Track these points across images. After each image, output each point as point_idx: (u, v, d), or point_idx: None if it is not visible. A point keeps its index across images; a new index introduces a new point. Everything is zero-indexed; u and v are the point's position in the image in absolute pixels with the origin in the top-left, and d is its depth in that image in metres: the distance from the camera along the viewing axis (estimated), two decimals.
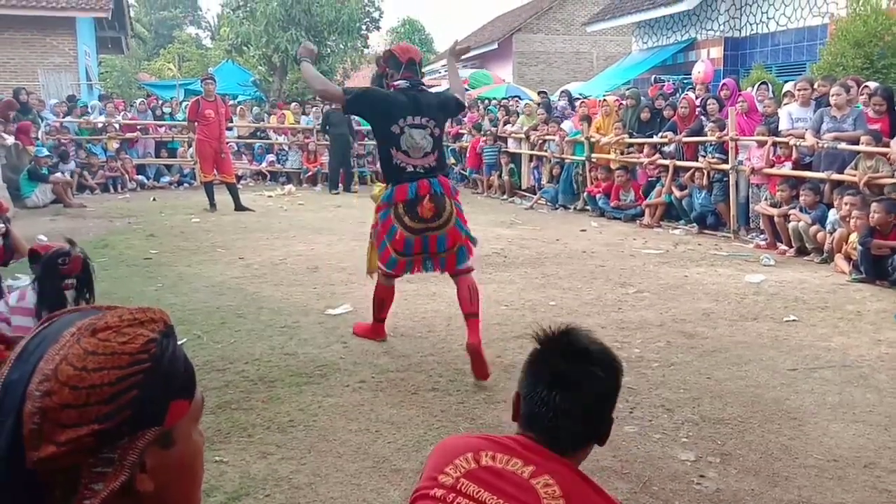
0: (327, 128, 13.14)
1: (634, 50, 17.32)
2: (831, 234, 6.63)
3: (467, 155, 13.46)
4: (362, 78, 26.29)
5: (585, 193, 10.37)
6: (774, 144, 7.68)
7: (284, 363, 3.97)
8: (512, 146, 12.40)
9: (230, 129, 12.85)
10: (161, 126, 13.99)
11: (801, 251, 7.06)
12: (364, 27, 22.08)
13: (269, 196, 12.01)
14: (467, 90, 12.76)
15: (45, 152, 11.28)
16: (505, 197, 12.15)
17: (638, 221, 9.24)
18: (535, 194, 11.55)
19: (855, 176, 6.60)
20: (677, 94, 10.77)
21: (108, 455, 0.71)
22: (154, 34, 37.25)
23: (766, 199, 7.73)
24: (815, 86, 7.83)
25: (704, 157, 8.55)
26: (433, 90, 4.31)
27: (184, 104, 14.03)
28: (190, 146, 12.54)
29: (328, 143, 13.38)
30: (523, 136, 11.92)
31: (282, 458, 2.90)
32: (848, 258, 6.25)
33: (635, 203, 9.53)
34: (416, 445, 3.01)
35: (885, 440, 3.09)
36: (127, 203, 11.16)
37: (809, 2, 12.21)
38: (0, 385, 0.73)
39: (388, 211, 3.82)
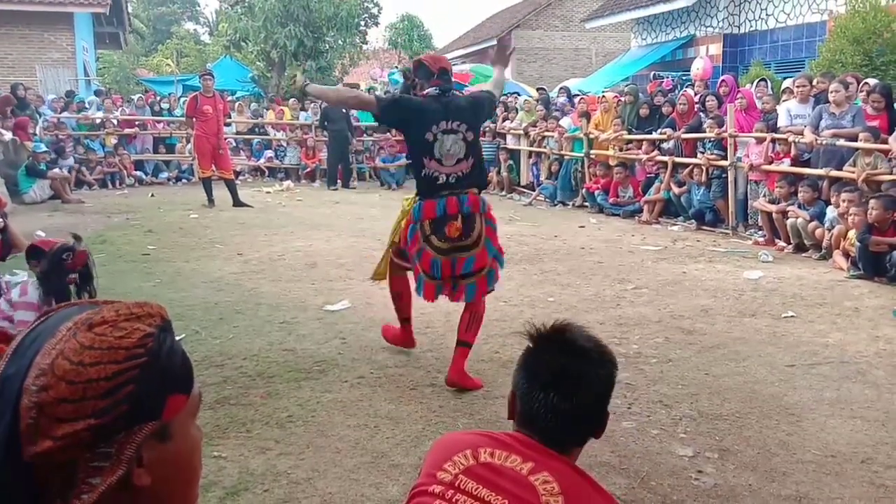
0: (325, 124, 13.12)
1: (633, 46, 17.31)
2: (829, 230, 6.63)
3: None
4: (360, 74, 26.27)
5: (584, 190, 10.37)
6: (773, 141, 7.68)
7: (283, 359, 3.97)
8: (511, 142, 12.40)
9: (228, 125, 12.83)
10: (159, 122, 13.96)
11: (800, 248, 7.07)
12: (363, 23, 22.03)
13: (268, 192, 11.99)
14: (467, 86, 12.74)
15: (43, 148, 11.26)
16: (504, 193, 12.15)
17: (636, 218, 9.24)
18: (533, 191, 11.55)
19: (853, 173, 6.61)
20: (676, 91, 10.77)
21: (105, 449, 0.71)
22: (152, 30, 37.16)
23: (764, 196, 7.73)
24: (814, 82, 7.83)
25: (703, 153, 8.54)
26: (465, 93, 4.22)
27: (182, 100, 13.99)
28: (188, 142, 12.52)
29: (326, 139, 13.36)
30: (522, 132, 11.91)
31: (280, 453, 2.91)
32: (846, 255, 6.26)
33: (634, 199, 9.54)
34: (415, 441, 3.01)
35: (883, 436, 3.10)
36: (125, 199, 11.14)
37: None
38: None
39: (416, 227, 3.67)
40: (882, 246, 5.79)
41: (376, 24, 23.75)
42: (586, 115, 10.50)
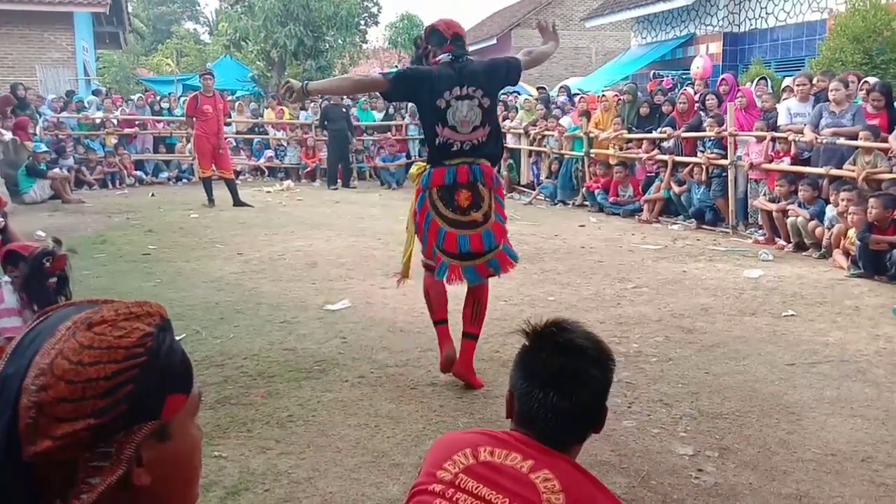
0: (325, 123, 13.12)
1: (633, 45, 17.30)
2: (829, 229, 6.63)
3: None
4: (361, 73, 26.24)
5: (584, 189, 10.37)
6: (773, 140, 7.68)
7: (283, 358, 3.97)
8: (511, 142, 12.38)
9: (228, 124, 12.83)
10: (159, 121, 13.96)
11: (800, 246, 7.06)
12: (362, 22, 22.04)
13: (268, 192, 11.99)
14: None
15: (43, 148, 11.26)
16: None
17: (637, 217, 9.24)
18: (533, 190, 11.55)
19: (853, 171, 6.60)
20: (676, 90, 10.76)
21: (105, 449, 0.71)
22: (152, 29, 37.14)
23: (764, 195, 7.73)
24: (814, 81, 7.83)
25: (703, 152, 8.54)
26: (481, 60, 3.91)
27: (182, 99, 13.99)
28: (188, 142, 12.52)
29: (326, 138, 13.37)
30: (522, 131, 11.91)
31: (281, 452, 2.91)
32: (846, 253, 6.26)
33: (634, 199, 9.54)
34: (415, 440, 3.01)
35: (883, 434, 3.10)
36: (125, 199, 11.15)
37: None
38: None
39: (424, 196, 3.54)
40: (882, 244, 5.79)
41: (376, 23, 23.79)
42: (586, 114, 10.50)
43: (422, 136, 14.68)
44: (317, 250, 7.02)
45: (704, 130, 8.50)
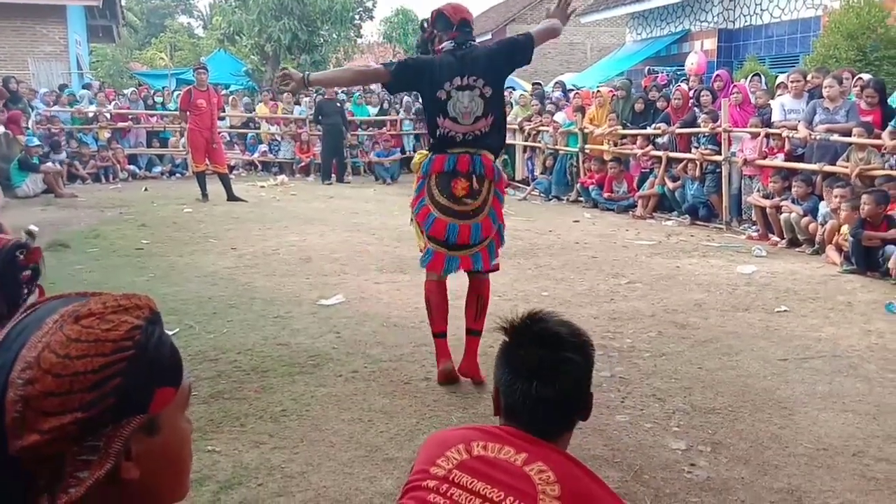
0: (319, 118, 13.09)
1: (628, 41, 17.30)
2: (823, 225, 6.65)
3: None
4: None
5: (579, 185, 10.37)
6: (767, 136, 7.69)
7: (277, 353, 3.96)
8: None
9: (222, 118, 12.78)
10: (153, 116, 13.89)
11: (793, 242, 7.09)
12: (357, 17, 21.99)
13: (262, 186, 11.96)
14: None
15: (36, 142, 11.20)
16: None
17: (631, 213, 9.25)
18: (528, 185, 11.55)
19: (847, 168, 6.62)
20: (671, 86, 10.77)
21: (93, 443, 0.71)
22: (146, 23, 36.97)
23: (758, 191, 7.75)
24: (808, 78, 7.84)
25: (697, 148, 8.56)
26: (487, 44, 3.75)
27: (175, 94, 13.94)
28: (182, 136, 12.47)
29: (321, 133, 13.33)
30: (517, 127, 11.90)
31: (274, 447, 2.90)
32: (839, 249, 6.28)
33: (628, 194, 9.55)
34: (409, 435, 3.01)
35: (874, 429, 3.12)
36: (118, 193, 11.10)
37: None
38: None
39: (423, 182, 3.47)
40: (875, 241, 5.81)
41: (371, 17, 23.71)
42: (581, 110, 10.50)
43: (416, 132, 14.70)
44: (311, 245, 7.01)
45: (699, 126, 8.51)
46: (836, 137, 6.88)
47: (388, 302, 4.98)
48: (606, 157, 9.93)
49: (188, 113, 10.17)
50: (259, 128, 14.49)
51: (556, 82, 14.22)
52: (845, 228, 6.17)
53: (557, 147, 10.90)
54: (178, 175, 13.36)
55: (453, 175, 3.38)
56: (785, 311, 4.86)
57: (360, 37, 24.06)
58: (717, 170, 8.32)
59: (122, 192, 11.28)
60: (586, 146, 10.27)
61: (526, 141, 11.82)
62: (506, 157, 12.31)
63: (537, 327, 1.43)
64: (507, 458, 1.30)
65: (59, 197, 10.53)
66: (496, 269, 3.64)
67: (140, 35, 35.15)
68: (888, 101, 7.16)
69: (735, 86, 8.73)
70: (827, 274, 5.96)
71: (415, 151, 14.76)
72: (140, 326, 0.74)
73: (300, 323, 4.51)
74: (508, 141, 12.21)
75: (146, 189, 11.49)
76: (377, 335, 4.28)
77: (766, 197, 7.50)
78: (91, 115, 13.10)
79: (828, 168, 6.87)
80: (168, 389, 0.76)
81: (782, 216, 7.20)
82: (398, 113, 14.53)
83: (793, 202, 7.10)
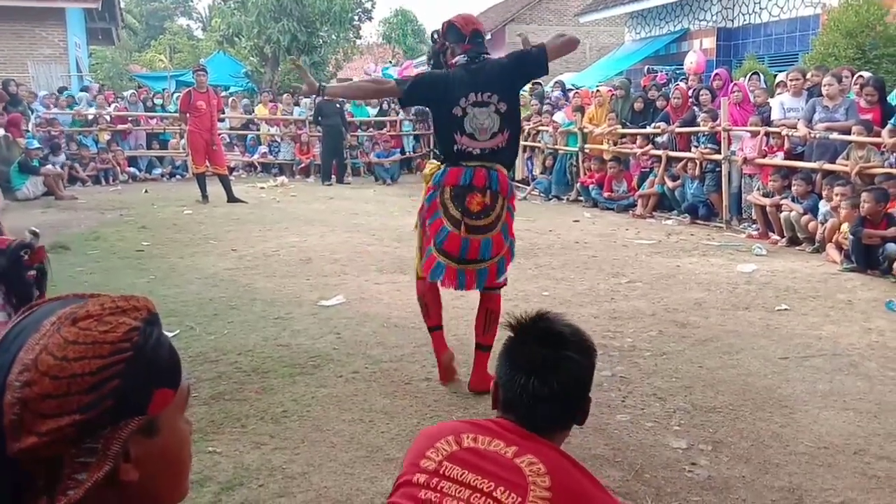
0: (319, 119, 13.09)
1: (627, 40, 17.30)
2: (823, 223, 6.65)
3: None
4: (354, 69, 26.20)
5: (578, 184, 10.38)
6: (767, 135, 7.69)
7: (278, 354, 3.96)
8: None
9: (222, 120, 12.78)
10: (153, 117, 13.89)
11: (793, 241, 7.09)
12: (356, 18, 21.98)
13: (262, 188, 11.96)
14: None
15: (36, 144, 11.21)
16: None
17: (631, 212, 9.25)
18: (528, 185, 11.55)
19: (847, 166, 6.62)
20: (670, 85, 10.77)
21: (91, 445, 0.71)
22: (145, 25, 36.99)
23: (758, 189, 7.75)
24: (808, 76, 7.84)
25: (697, 147, 8.56)
26: (499, 57, 3.69)
27: (175, 95, 13.93)
28: (182, 138, 12.48)
29: (320, 134, 13.33)
30: None
31: (275, 448, 2.90)
32: (839, 247, 6.28)
33: (628, 194, 9.55)
34: (410, 435, 3.01)
35: (875, 427, 3.12)
36: (118, 195, 11.10)
37: None
38: None
39: (435, 194, 3.39)
40: (875, 239, 5.81)
41: (370, 18, 23.72)
42: (580, 110, 10.50)
43: (416, 133, 14.70)
44: (311, 246, 7.01)
45: (698, 125, 8.51)
46: (835, 136, 6.88)
47: (388, 302, 4.98)
48: (606, 156, 9.93)
49: (188, 115, 10.17)
50: (259, 129, 14.50)
51: (556, 82, 14.22)
52: (845, 226, 6.17)
53: (557, 147, 10.90)
54: (178, 177, 13.36)
55: (469, 189, 3.32)
56: (785, 309, 4.86)
57: (360, 38, 24.07)
58: (717, 169, 8.32)
59: (123, 194, 11.29)
60: (586, 146, 10.27)
61: (525, 141, 11.80)
62: None
63: (542, 326, 1.46)
64: (498, 451, 1.31)
65: (60, 199, 10.54)
66: (504, 284, 3.59)
67: (139, 37, 35.17)
68: (888, 98, 7.16)
69: (735, 84, 8.73)
70: (827, 272, 5.95)
71: (414, 152, 14.84)
72: (138, 328, 0.74)
73: (301, 324, 4.51)
74: None
75: (146, 191, 11.50)
76: (378, 336, 4.28)
77: (766, 195, 7.49)
78: (91, 117, 13.11)
79: (827, 166, 6.87)
80: (166, 391, 0.76)
81: (782, 215, 7.20)
82: (398, 114, 14.54)
83: (793, 200, 7.10)
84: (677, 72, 12.89)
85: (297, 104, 14.49)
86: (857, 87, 7.27)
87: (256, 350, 4.02)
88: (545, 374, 1.39)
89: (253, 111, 14.78)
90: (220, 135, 11.20)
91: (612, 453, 2.87)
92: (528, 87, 14.50)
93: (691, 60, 12.07)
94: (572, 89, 12.58)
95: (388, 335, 4.31)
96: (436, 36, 3.61)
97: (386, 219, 8.59)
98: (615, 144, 9.91)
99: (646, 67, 14.00)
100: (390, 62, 26.59)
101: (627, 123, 9.86)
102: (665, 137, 9.04)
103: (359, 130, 14.31)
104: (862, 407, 3.32)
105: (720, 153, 8.16)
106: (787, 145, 7.49)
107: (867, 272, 5.83)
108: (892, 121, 6.45)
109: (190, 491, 0.84)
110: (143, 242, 7.20)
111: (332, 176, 12.97)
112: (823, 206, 6.75)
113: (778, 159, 7.54)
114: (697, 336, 4.30)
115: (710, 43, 13.93)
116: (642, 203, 9.20)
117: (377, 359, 3.92)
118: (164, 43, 32.40)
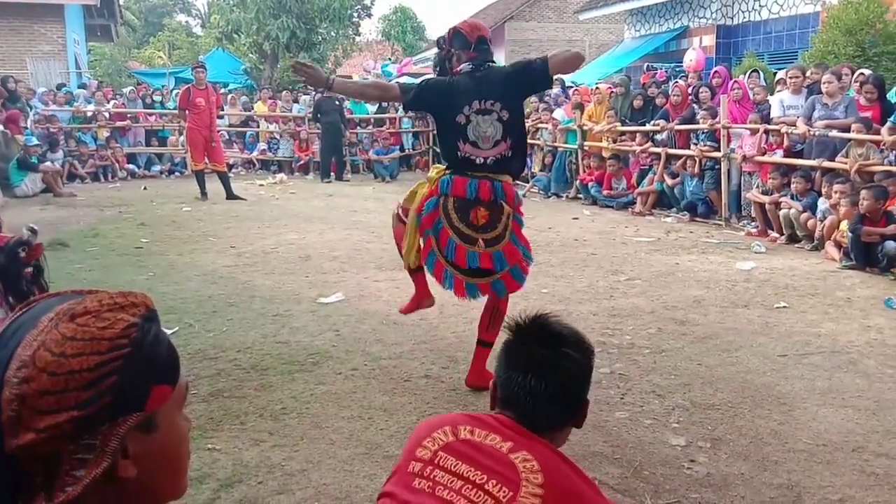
0: (318, 116, 13.08)
1: (627, 38, 17.28)
2: (822, 221, 6.65)
3: None
4: (354, 66, 26.17)
5: (578, 181, 10.38)
6: (766, 132, 7.69)
7: (276, 351, 3.96)
8: None
9: (221, 117, 12.77)
10: (151, 114, 13.88)
11: (792, 238, 7.09)
12: (355, 14, 21.94)
13: (261, 185, 11.96)
14: None
15: (35, 141, 11.19)
16: None
17: (630, 209, 9.26)
18: (527, 182, 11.54)
19: (846, 163, 6.62)
20: (669, 82, 10.77)
21: (89, 441, 0.70)
22: (144, 22, 36.90)
23: (757, 187, 7.75)
24: (807, 73, 7.84)
25: (696, 144, 8.55)
26: (504, 65, 3.68)
27: (174, 92, 13.92)
28: (181, 135, 12.46)
29: (319, 131, 13.32)
30: None
31: (274, 445, 2.90)
32: (838, 245, 6.28)
33: (627, 191, 9.55)
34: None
35: (874, 424, 3.12)
36: (117, 192, 11.09)
37: None
38: None
39: (438, 200, 3.36)
40: (874, 236, 5.82)
41: (369, 15, 23.65)
42: (580, 107, 10.50)
43: (415, 130, 14.69)
44: (310, 243, 7.01)
45: (698, 123, 8.51)
46: (834, 133, 6.88)
47: (387, 300, 4.98)
48: (605, 153, 9.94)
49: (187, 111, 10.16)
50: (258, 126, 14.48)
51: (555, 79, 14.21)
52: (844, 224, 6.18)
53: (556, 144, 10.90)
54: (177, 174, 13.35)
55: (475, 203, 3.31)
56: (784, 307, 4.86)
57: (359, 35, 24.01)
58: (716, 166, 8.32)
59: (121, 190, 11.28)
60: (585, 143, 10.27)
61: None
62: None
63: (541, 325, 1.47)
64: (493, 445, 1.32)
65: (58, 196, 10.52)
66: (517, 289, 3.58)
67: (138, 34, 35.10)
68: (887, 96, 7.16)
69: (735, 81, 8.73)
70: (826, 270, 5.96)
71: (414, 149, 14.84)
72: (136, 324, 0.74)
73: (300, 321, 4.51)
74: None
75: (145, 188, 11.48)
76: (377, 333, 4.28)
77: (766, 193, 7.50)
78: (90, 114, 13.09)
79: (827, 164, 6.87)
80: (165, 387, 0.76)
81: (781, 212, 7.20)
82: (397, 111, 14.53)
83: (792, 198, 7.11)
84: (677, 69, 12.87)
85: (296, 101, 14.47)
86: (857, 84, 7.26)
87: (255, 347, 4.02)
88: (544, 372, 1.40)
89: (252, 108, 14.76)
90: (219, 132, 11.19)
91: (611, 450, 2.88)
92: None
93: (691, 58, 12.05)
94: (572, 86, 12.57)
95: (387, 332, 4.31)
96: (442, 43, 3.61)
97: (385, 216, 8.54)
98: (614, 142, 9.91)
99: (645, 65, 13.97)
100: (389, 59, 26.57)
101: (627, 121, 9.86)
102: (664, 135, 9.04)
103: (358, 127, 14.30)
104: (860, 404, 3.32)
105: (719, 151, 8.16)
106: (786, 143, 7.49)
107: (866, 270, 5.83)
108: (891, 118, 6.45)
109: (189, 488, 0.84)
110: (142, 239, 7.20)
111: (332, 173, 12.97)
112: (823, 204, 6.75)
113: (777, 157, 7.54)
114: (696, 333, 4.31)
115: (709, 40, 13.92)
116: (641, 200, 9.20)
117: (376, 356, 3.92)
118: (162, 40, 32.34)
